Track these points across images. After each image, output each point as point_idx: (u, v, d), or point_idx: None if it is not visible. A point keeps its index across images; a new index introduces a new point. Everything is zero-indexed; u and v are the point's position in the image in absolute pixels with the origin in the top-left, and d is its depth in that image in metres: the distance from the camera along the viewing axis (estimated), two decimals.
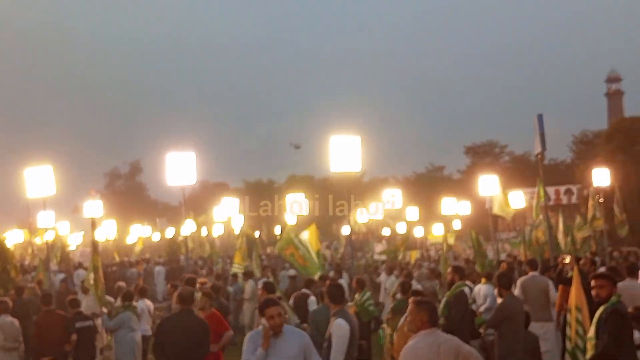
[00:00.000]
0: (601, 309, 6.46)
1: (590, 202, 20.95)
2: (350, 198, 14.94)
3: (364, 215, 43.90)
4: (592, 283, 6.63)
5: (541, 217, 18.64)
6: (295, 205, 28.04)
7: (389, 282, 17.69)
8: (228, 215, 27.09)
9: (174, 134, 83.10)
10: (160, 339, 7.85)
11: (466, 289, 10.00)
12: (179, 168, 14.42)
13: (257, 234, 34.91)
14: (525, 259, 15.49)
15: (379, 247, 28.19)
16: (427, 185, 70.08)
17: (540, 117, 11.47)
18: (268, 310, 5.69)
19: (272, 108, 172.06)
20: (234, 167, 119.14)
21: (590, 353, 6.38)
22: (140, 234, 42.94)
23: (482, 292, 12.27)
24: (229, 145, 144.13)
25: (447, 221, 31.63)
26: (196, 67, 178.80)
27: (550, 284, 10.63)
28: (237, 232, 30.06)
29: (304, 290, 12.47)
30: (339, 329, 6.50)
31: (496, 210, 19.69)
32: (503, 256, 27.82)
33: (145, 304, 12.30)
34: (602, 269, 12.65)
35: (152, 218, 54.70)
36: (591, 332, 6.45)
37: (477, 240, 18.92)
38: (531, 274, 11.12)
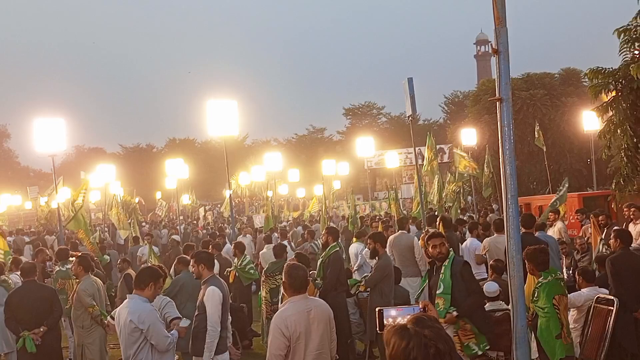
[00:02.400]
0: (448, 264, 6.63)
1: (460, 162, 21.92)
2: (229, 162, 15.00)
3: (246, 178, 44.03)
4: (430, 243, 6.78)
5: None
6: (175, 170, 27.50)
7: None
8: (105, 182, 26.14)
9: (45, 99, 78.89)
10: (10, 312, 8.11)
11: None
12: (48, 134, 13.80)
13: (136, 200, 33.94)
14: (399, 217, 16.15)
15: (257, 219, 28.30)
16: (308, 147, 70.86)
17: (410, 81, 11.67)
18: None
19: (148, 71, 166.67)
20: (111, 132, 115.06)
21: (444, 309, 6.37)
22: (10, 202, 40.63)
23: (353, 250, 12.76)
24: (106, 110, 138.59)
25: (327, 182, 32.21)
26: (67, 30, 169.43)
27: (416, 241, 11.12)
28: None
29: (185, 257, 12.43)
30: (212, 295, 6.50)
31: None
32: (381, 215, 28.68)
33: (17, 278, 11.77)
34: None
35: (22, 186, 51.89)
36: (443, 288, 6.52)
37: (352, 198, 19.59)
38: (400, 232, 11.57)
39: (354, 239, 13.34)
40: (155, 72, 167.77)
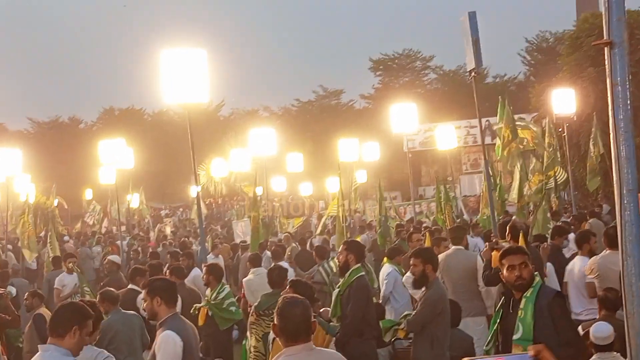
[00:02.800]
0: (531, 295, 6.66)
1: (547, 140, 21.90)
2: (196, 144, 15.10)
3: (222, 167, 44.10)
4: (506, 262, 6.82)
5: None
6: (114, 156, 27.57)
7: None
8: (6, 175, 26.27)
9: None
10: None
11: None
12: None
13: (55, 202, 34.14)
14: (451, 225, 16.24)
15: (239, 229, 28.30)
16: (317, 120, 70.81)
17: (472, 16, 11.71)
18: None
19: (67, 8, 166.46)
20: (15, 100, 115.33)
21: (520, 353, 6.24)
22: None
23: (384, 276, 12.91)
24: (7, 68, 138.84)
25: (346, 172, 32.16)
26: None
27: (479, 261, 11.15)
28: (22, 198, 29.26)
29: (131, 287, 12.56)
30: (166, 344, 6.55)
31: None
32: (430, 222, 28.71)
33: None
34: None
35: None
36: (522, 332, 6.57)
37: (381, 196, 19.69)
38: (454, 248, 11.70)
39: (385, 259, 13.40)
40: (79, 9, 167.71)
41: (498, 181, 22.64)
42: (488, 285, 10.58)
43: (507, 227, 11.18)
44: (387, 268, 12.81)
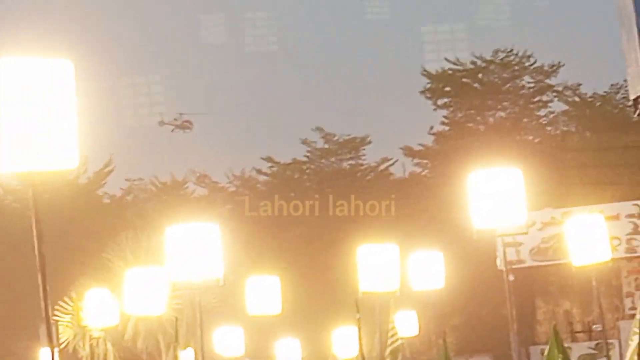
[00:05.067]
0: None
1: None
2: (48, 252, 15.34)
3: (107, 306, 44.39)
4: None
5: None
6: None
7: None
8: None
9: None
10: None
11: None
12: None
13: None
14: None
15: None
16: (310, 202, 71.60)
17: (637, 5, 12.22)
18: None
19: None
20: None
21: None
22: None
23: None
24: None
25: (373, 315, 32.49)
26: None
27: None
28: None
29: None
30: None
31: None
32: None
33: None
34: None
35: None
36: None
37: None
38: None
39: None
40: None
41: None
42: None
43: None
44: None
